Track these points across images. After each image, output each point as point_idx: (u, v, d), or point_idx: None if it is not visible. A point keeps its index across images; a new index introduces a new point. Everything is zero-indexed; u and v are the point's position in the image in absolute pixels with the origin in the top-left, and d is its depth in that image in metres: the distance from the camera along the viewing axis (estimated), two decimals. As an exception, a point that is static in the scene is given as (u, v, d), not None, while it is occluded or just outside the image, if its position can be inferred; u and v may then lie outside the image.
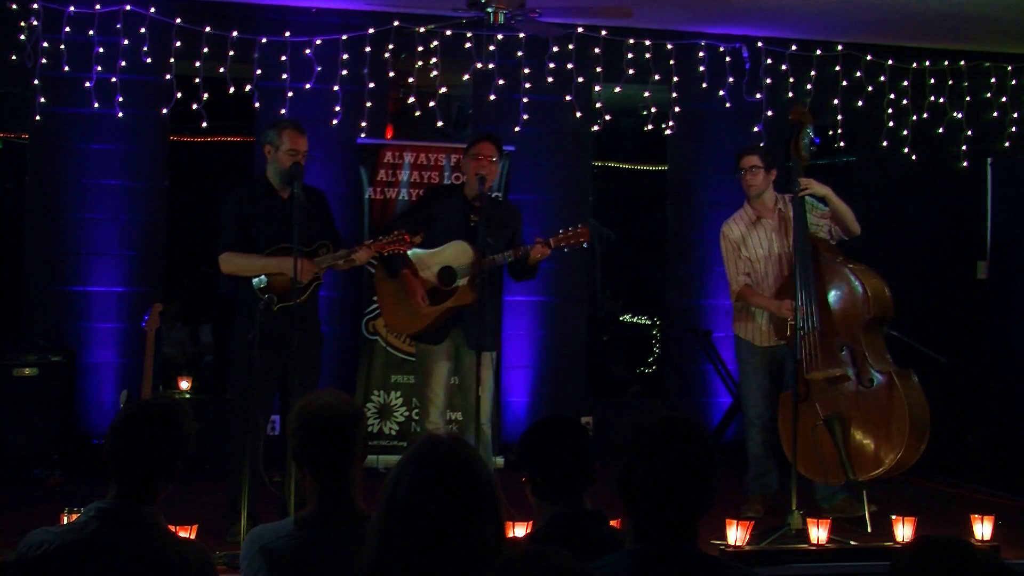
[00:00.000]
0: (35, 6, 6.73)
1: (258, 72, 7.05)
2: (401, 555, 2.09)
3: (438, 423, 5.53)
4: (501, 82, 7.30)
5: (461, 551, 2.09)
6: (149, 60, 6.87)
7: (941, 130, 7.96)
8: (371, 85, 7.21)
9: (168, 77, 6.94)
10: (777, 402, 5.76)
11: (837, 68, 7.76)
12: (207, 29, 6.92)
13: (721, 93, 7.63)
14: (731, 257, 5.89)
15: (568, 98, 7.41)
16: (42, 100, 6.90)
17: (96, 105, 6.88)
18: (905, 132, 7.86)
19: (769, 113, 7.67)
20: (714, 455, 2.37)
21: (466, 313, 5.39)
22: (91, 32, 6.82)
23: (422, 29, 7.19)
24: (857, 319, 5.52)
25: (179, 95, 6.93)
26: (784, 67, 7.68)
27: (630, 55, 7.47)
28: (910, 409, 5.37)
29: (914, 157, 7.90)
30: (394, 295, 5.55)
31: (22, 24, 6.81)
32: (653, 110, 7.62)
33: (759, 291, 5.80)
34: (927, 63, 7.87)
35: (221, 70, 6.95)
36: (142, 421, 2.73)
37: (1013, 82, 8.05)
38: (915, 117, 7.86)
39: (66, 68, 6.84)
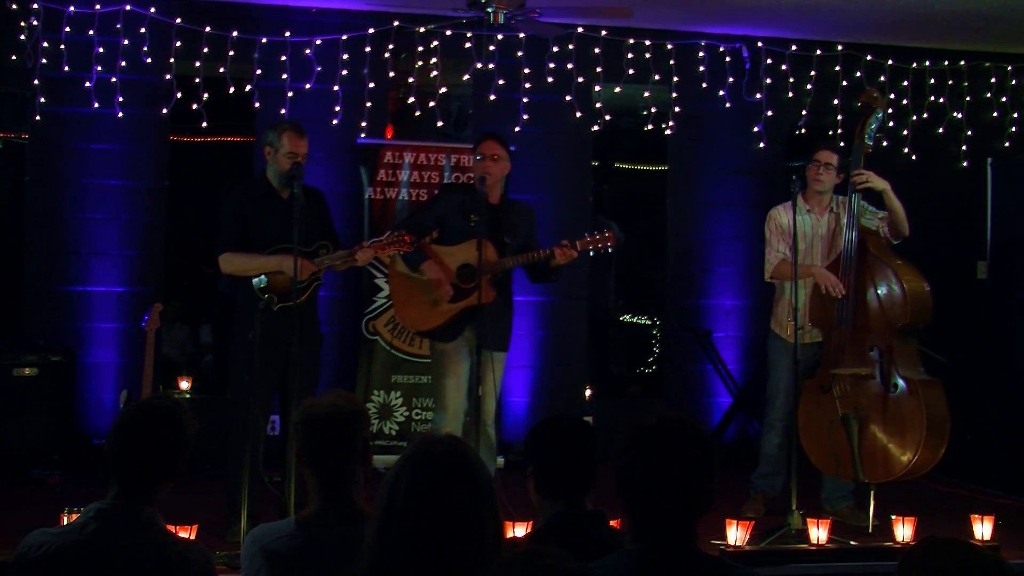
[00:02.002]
0: (35, 6, 6.73)
1: (258, 72, 7.05)
2: (400, 556, 2.09)
3: (453, 424, 5.37)
4: (501, 82, 7.30)
5: (460, 551, 2.09)
6: (149, 60, 6.88)
7: (941, 130, 7.97)
8: (371, 85, 7.21)
9: (168, 77, 6.95)
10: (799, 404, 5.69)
11: (837, 68, 7.76)
12: (207, 29, 6.92)
13: (721, 93, 7.63)
14: (773, 240, 5.78)
15: (568, 98, 7.41)
16: (42, 100, 6.90)
17: (96, 105, 6.88)
18: (905, 132, 7.87)
19: (769, 113, 7.68)
20: (713, 455, 2.37)
21: (481, 313, 5.29)
22: (91, 32, 6.82)
23: (422, 29, 7.19)
24: (892, 322, 5.44)
25: (179, 95, 6.94)
26: (784, 67, 7.69)
27: (630, 55, 7.47)
28: (928, 421, 5.30)
29: (914, 157, 7.90)
30: (410, 290, 5.49)
31: (22, 24, 6.81)
32: (653, 110, 7.62)
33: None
34: (927, 63, 7.87)
35: (221, 70, 6.96)
36: (143, 422, 2.73)
37: (1013, 82, 8.05)
38: (915, 117, 7.86)
39: (66, 68, 6.84)
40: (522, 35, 7.11)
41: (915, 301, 5.44)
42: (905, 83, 7.85)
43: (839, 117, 7.76)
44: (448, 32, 7.22)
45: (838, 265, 5.55)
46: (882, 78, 7.79)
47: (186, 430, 2.76)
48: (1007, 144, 8.04)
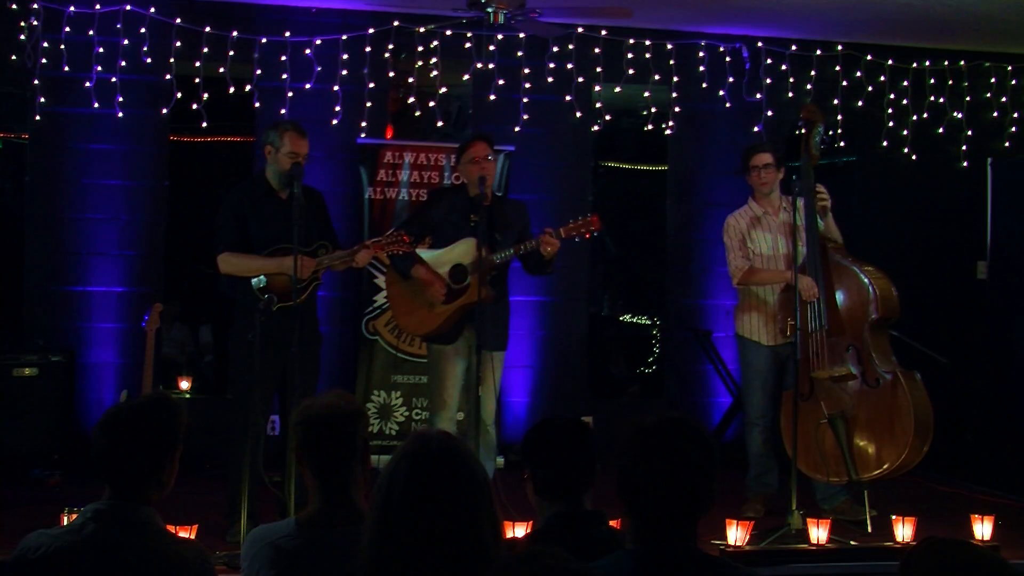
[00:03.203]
0: (35, 6, 6.73)
1: (258, 72, 7.05)
2: (398, 553, 2.09)
3: (448, 426, 5.43)
4: (501, 82, 7.30)
5: (458, 547, 2.09)
6: (149, 60, 6.87)
7: (941, 130, 7.96)
8: (371, 85, 7.21)
9: (168, 77, 6.94)
10: (780, 401, 5.75)
11: (837, 68, 7.76)
12: (207, 29, 6.92)
13: (721, 93, 7.63)
14: (734, 246, 5.82)
15: (568, 98, 7.41)
16: (42, 100, 6.90)
17: (96, 105, 6.88)
18: (905, 132, 7.87)
19: (769, 113, 7.68)
20: (713, 455, 2.37)
21: (478, 312, 5.28)
22: (91, 32, 6.82)
23: (422, 29, 7.19)
24: (864, 319, 5.51)
25: (179, 95, 6.94)
26: (784, 67, 7.69)
27: (630, 55, 7.47)
28: (914, 410, 5.36)
29: (914, 157, 7.90)
30: (406, 296, 5.50)
31: (22, 24, 6.81)
32: (653, 110, 7.62)
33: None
34: (927, 63, 7.87)
35: (221, 70, 6.95)
36: (124, 423, 2.70)
37: (1013, 82, 8.05)
38: (915, 117, 7.86)
39: (66, 68, 6.84)
40: (522, 35, 7.11)
41: (883, 296, 5.52)
42: (905, 83, 7.84)
43: (839, 117, 7.76)
44: (448, 32, 7.22)
45: (804, 272, 5.59)
46: (882, 78, 7.79)
47: (170, 428, 2.71)
48: (1007, 144, 8.04)
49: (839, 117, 7.75)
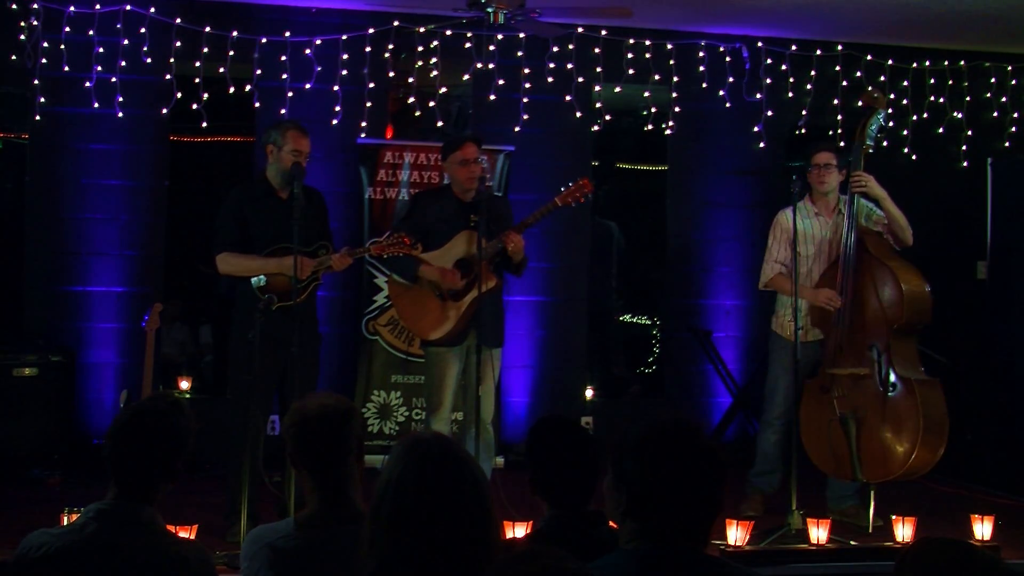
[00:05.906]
0: (35, 6, 6.73)
1: (258, 72, 7.05)
2: (406, 559, 2.08)
3: (444, 426, 5.46)
4: (501, 82, 7.30)
5: (462, 550, 2.09)
6: (149, 60, 6.88)
7: (941, 130, 7.96)
8: (371, 85, 7.21)
9: (168, 77, 6.95)
10: (800, 401, 5.68)
11: (837, 68, 7.76)
12: (207, 29, 6.92)
13: (721, 93, 7.63)
14: (779, 244, 5.77)
15: (568, 98, 7.41)
16: (42, 100, 6.90)
17: (96, 105, 6.88)
18: (905, 132, 7.87)
19: (769, 113, 7.68)
20: (722, 465, 2.32)
21: (481, 310, 5.30)
22: (91, 32, 6.82)
23: (422, 29, 7.19)
24: (889, 321, 5.42)
25: (179, 95, 6.94)
26: (784, 67, 7.69)
27: (630, 55, 7.47)
28: (925, 421, 5.29)
29: (914, 157, 7.90)
30: (415, 302, 5.48)
31: (22, 24, 6.81)
32: (653, 110, 7.62)
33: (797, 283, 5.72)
34: (927, 63, 7.87)
35: (221, 70, 6.95)
36: (141, 423, 2.72)
37: (1013, 82, 8.05)
38: (915, 117, 7.86)
39: (66, 68, 6.84)
40: (522, 35, 7.11)
41: (912, 301, 5.43)
42: (905, 83, 7.85)
43: (839, 117, 7.75)
44: (448, 32, 7.22)
45: (836, 266, 5.55)
46: (882, 78, 7.79)
47: (184, 430, 2.75)
48: (1007, 144, 8.04)
49: (839, 117, 7.75)
